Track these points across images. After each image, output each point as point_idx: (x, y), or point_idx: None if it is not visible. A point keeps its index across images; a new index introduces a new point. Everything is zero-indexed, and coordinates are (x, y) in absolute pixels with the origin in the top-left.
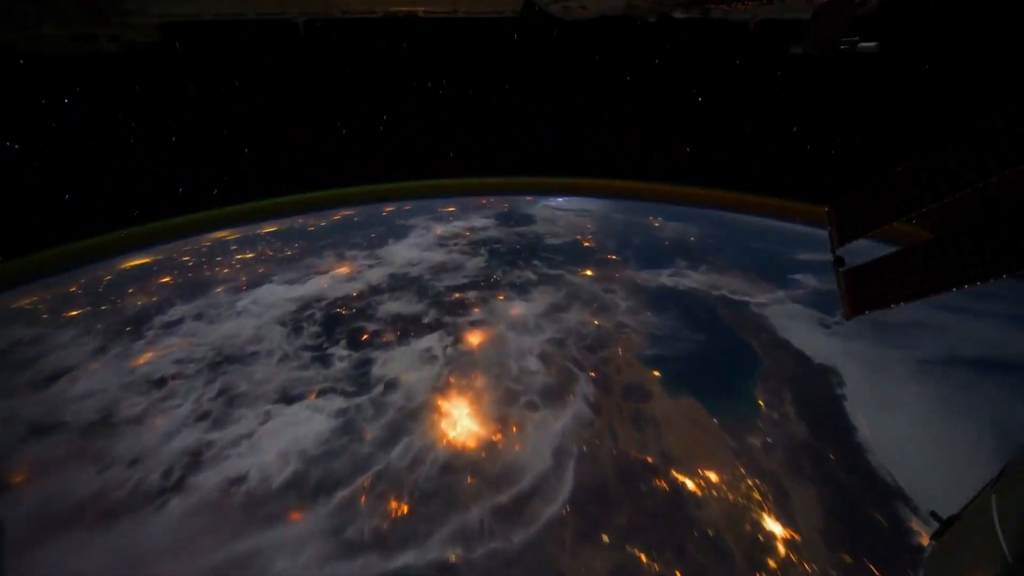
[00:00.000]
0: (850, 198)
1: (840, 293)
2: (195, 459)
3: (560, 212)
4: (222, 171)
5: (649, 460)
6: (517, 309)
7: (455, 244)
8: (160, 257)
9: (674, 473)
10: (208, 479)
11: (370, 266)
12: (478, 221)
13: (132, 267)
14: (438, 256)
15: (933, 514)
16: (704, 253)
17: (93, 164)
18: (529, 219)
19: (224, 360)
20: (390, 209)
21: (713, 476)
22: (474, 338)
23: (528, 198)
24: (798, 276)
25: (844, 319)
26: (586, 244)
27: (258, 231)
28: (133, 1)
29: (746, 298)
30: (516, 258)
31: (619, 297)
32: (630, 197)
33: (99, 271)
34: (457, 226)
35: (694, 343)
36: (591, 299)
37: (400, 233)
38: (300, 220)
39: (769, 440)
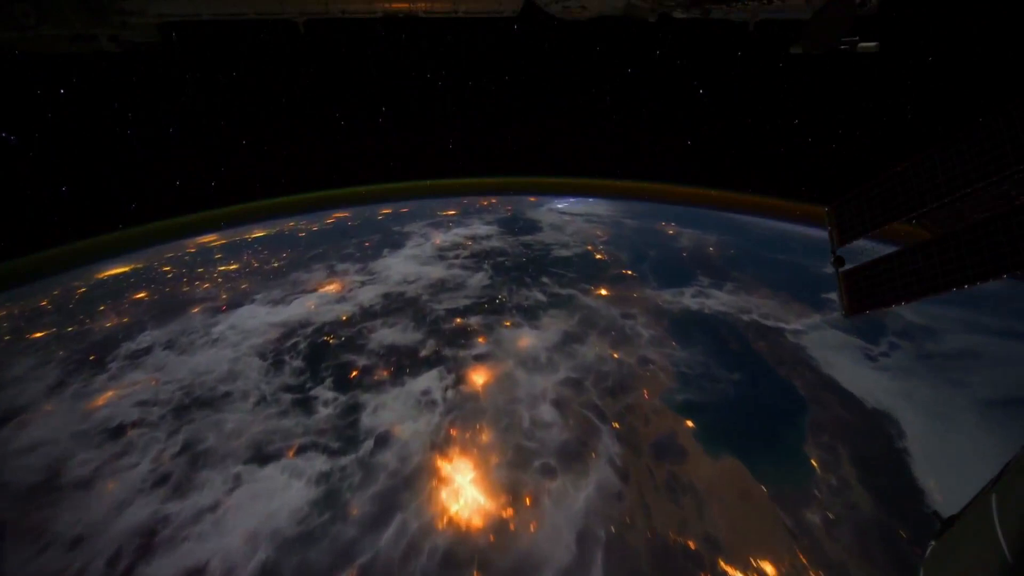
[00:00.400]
0: (850, 198)
1: (840, 293)
2: (148, 540)
3: (567, 217)
4: (215, 172)
5: (691, 545)
6: (526, 339)
7: (455, 256)
8: (140, 266)
9: (723, 564)
10: (161, 569)
11: (362, 283)
12: (480, 228)
13: (109, 277)
14: (437, 271)
15: (934, 514)
16: (727, 267)
17: (83, 165)
18: (534, 226)
19: (192, 403)
20: (386, 211)
21: (770, 568)
22: (478, 377)
23: (531, 198)
24: (832, 295)
25: (844, 317)
26: (598, 256)
27: (246, 236)
28: (133, 1)
29: (780, 324)
30: (523, 274)
31: (640, 324)
32: (636, 198)
33: (75, 280)
34: (458, 234)
35: (730, 383)
36: (608, 326)
37: (396, 242)
38: (291, 224)
39: (830, 515)
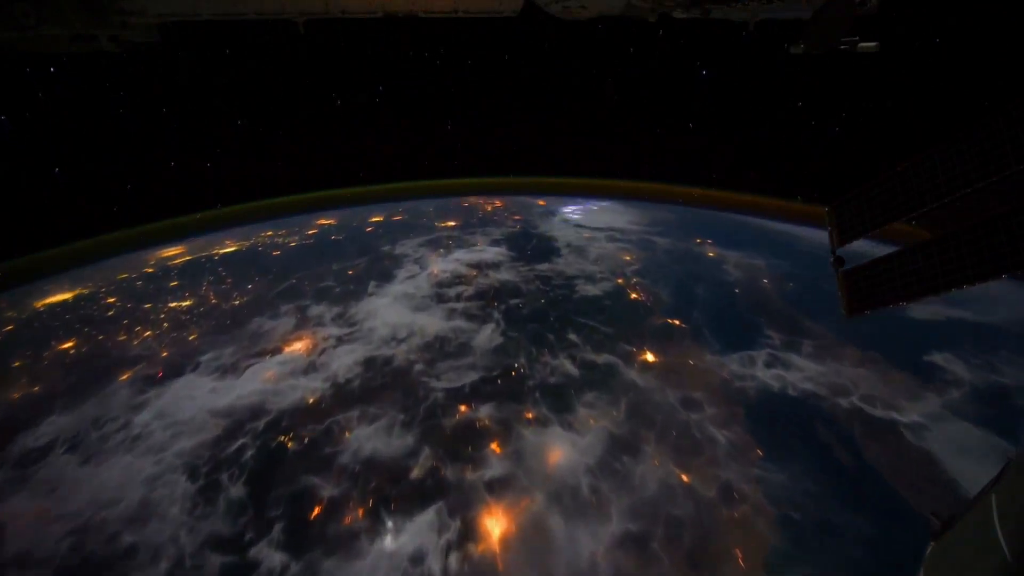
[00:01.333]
0: (850, 198)
1: (840, 293)
2: None
3: (586, 233)
4: (196, 175)
5: None
6: (558, 449)
7: (457, 296)
8: (85, 291)
9: None
10: None
11: (339, 340)
12: (486, 251)
13: (47, 307)
14: (434, 322)
15: (933, 514)
16: (794, 312)
17: (60, 169)
18: (549, 246)
19: (80, 567)
20: (377, 219)
21: None
22: (495, 525)
23: (540, 201)
24: (936, 358)
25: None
26: (634, 296)
27: (214, 251)
28: (133, 1)
29: (891, 413)
30: (543, 326)
31: (709, 417)
32: (649, 199)
33: (11, 310)
34: (459, 260)
35: (858, 542)
36: (668, 422)
37: (385, 270)
38: (268, 233)
39: None
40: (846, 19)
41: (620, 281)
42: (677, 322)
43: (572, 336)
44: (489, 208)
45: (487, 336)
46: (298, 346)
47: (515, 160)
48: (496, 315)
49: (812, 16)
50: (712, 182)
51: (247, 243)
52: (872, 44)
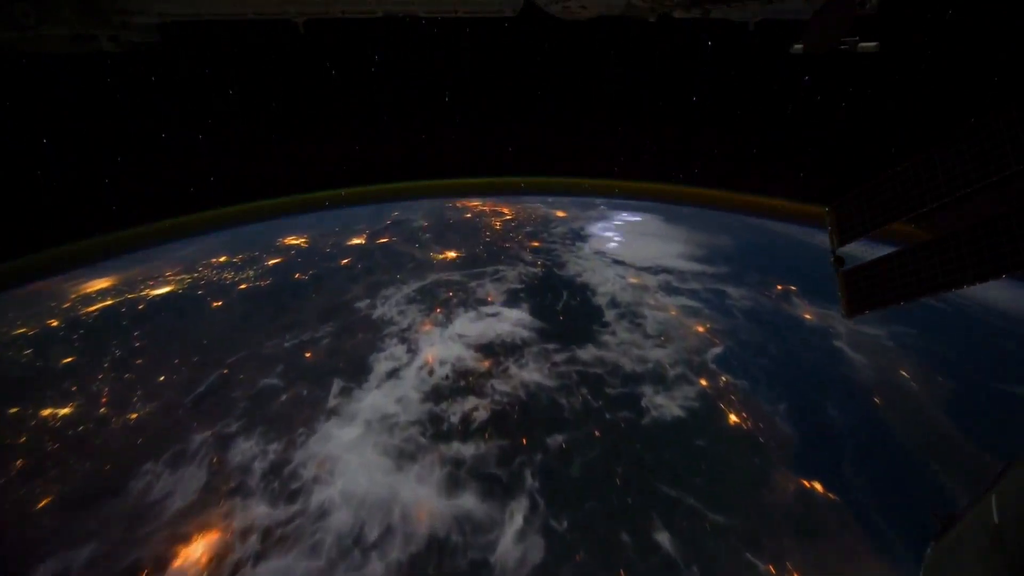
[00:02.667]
0: (850, 198)
1: (840, 293)
2: None
3: (632, 278)
4: (151, 181)
5: None
6: None
7: (464, 423)
8: None
9: None
10: None
11: (264, 539)
12: (502, 317)
13: None
14: (428, 495)
15: (934, 514)
16: (978, 448)
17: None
18: (588, 306)
19: None
20: (358, 242)
21: None
22: None
23: (559, 213)
24: None
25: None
26: (734, 419)
27: (144, 292)
28: (133, 1)
29: None
30: (608, 510)
31: None
32: (681, 201)
33: None
34: (465, 335)
35: None
36: None
37: (357, 355)
38: (220, 261)
39: None
40: (846, 19)
41: (704, 383)
42: (819, 488)
43: (660, 536)
44: (497, 225)
45: (516, 537)
46: (195, 553)
47: (516, 160)
48: (528, 477)
49: (812, 16)
50: (734, 184)
51: (188, 278)
52: (872, 44)
